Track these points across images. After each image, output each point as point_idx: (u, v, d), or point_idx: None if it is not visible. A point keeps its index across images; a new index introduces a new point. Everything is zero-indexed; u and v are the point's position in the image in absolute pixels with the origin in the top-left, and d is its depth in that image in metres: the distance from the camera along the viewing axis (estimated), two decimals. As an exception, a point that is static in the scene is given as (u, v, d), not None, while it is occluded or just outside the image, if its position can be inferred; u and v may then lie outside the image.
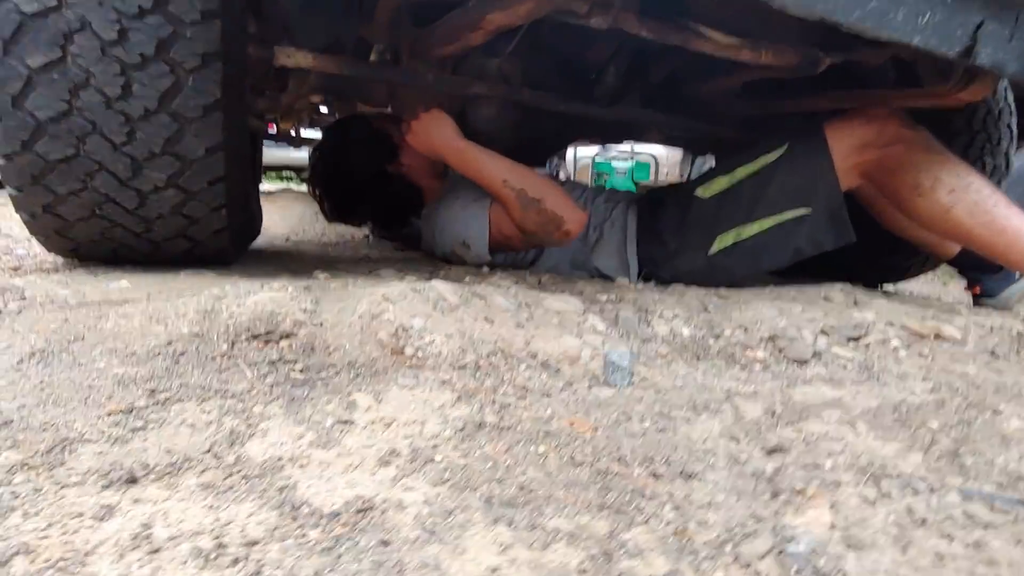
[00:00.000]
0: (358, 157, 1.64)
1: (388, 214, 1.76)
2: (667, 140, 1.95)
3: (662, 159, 5.50)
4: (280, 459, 0.52)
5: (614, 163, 5.64)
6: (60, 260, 1.29)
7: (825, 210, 1.46)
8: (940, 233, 1.52)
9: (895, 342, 1.06)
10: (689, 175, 5.90)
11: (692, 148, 2.09)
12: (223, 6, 1.00)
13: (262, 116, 2.07)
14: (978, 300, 1.70)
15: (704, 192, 1.55)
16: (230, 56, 1.05)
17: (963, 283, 1.90)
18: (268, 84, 1.42)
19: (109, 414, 0.57)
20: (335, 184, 1.68)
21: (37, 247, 1.31)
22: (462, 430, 0.60)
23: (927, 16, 0.97)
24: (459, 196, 1.56)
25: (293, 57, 1.27)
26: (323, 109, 2.45)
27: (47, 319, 0.83)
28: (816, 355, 0.97)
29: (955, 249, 1.70)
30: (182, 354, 0.72)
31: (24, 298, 0.95)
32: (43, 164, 1.00)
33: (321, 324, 0.85)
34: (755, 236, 1.49)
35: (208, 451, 0.52)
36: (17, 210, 1.09)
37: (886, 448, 0.64)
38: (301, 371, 0.72)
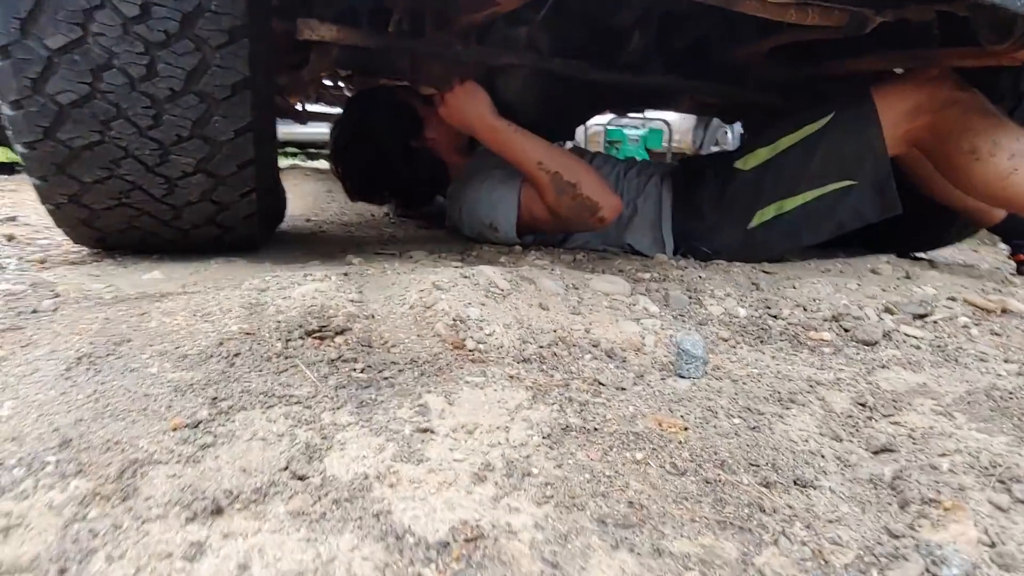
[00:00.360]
0: (382, 132, 1.58)
1: (413, 191, 1.70)
2: (700, 108, 1.88)
3: (675, 125, 5.37)
4: (367, 477, 0.48)
5: (626, 131, 5.51)
6: (86, 250, 1.25)
7: (872, 182, 1.39)
8: (994, 200, 1.45)
9: (963, 319, 1.01)
10: (703, 141, 5.78)
11: (725, 116, 2.01)
12: (248, -24, 0.93)
13: (283, 93, 2.00)
14: (1022, 268, 1.64)
15: (744, 164, 1.48)
16: (256, 31, 0.98)
17: (998, 249, 1.84)
18: (290, 59, 1.36)
19: (174, 429, 0.53)
20: (359, 160, 1.62)
21: (60, 235, 1.26)
22: (549, 436, 0.56)
23: (1011, -30, 0.91)
24: (487, 176, 1.50)
25: (317, 30, 1.20)
26: (328, 83, 2.37)
27: (87, 318, 0.79)
28: (886, 336, 0.92)
29: (999, 215, 1.64)
30: (236, 355, 0.68)
31: (57, 294, 0.91)
32: (67, 152, 0.95)
33: (373, 316, 0.81)
34: (796, 209, 1.42)
35: (286, 468, 0.49)
36: (42, 201, 1.04)
37: (995, 443, 0.59)
38: (363, 371, 0.68)
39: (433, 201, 1.83)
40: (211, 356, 0.68)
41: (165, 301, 0.85)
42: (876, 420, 0.65)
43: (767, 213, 1.44)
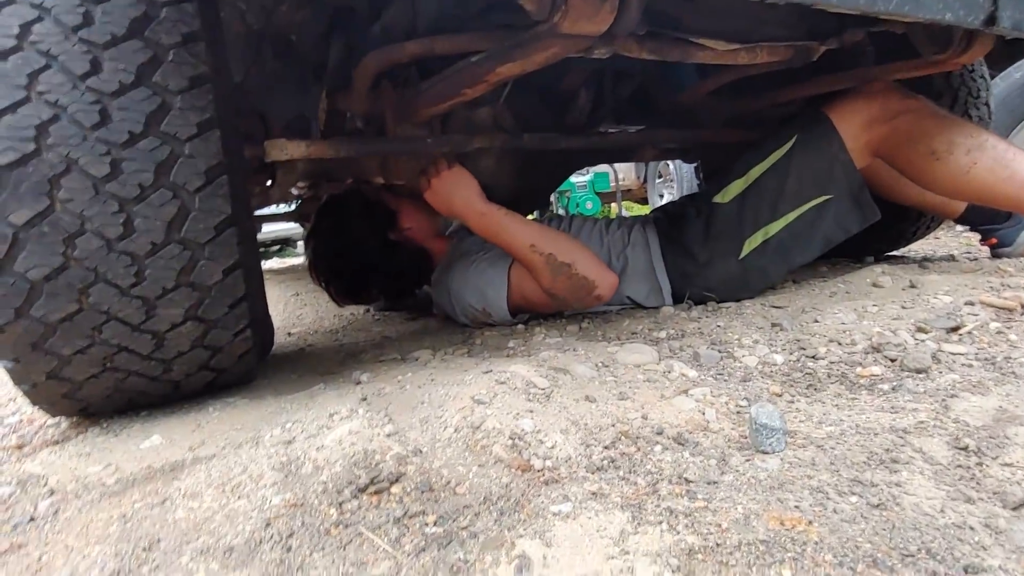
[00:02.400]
0: (359, 231, 1.54)
1: (401, 284, 1.65)
2: (662, 154, 1.91)
3: (619, 166, 5.51)
4: None
5: (572, 178, 5.62)
6: (65, 421, 1.13)
7: (847, 192, 1.43)
8: (959, 195, 1.50)
9: (993, 324, 1.01)
10: (646, 175, 5.95)
11: (686, 157, 2.06)
12: (219, 113, 0.89)
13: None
14: (995, 251, 1.69)
15: (723, 198, 1.50)
16: (233, 165, 0.94)
17: (955, 233, 1.89)
18: (258, 180, 1.31)
19: (256, 660, 0.45)
20: (341, 266, 1.57)
21: (29, 404, 1.14)
22: (679, 569, 0.50)
23: (959, -8, 0.95)
24: (472, 261, 1.47)
25: (286, 149, 1.16)
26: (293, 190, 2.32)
27: (99, 520, 0.69)
28: (934, 359, 0.90)
29: (961, 207, 1.70)
30: (290, 536, 0.60)
31: (52, 491, 0.81)
32: (42, 328, 0.87)
33: (420, 451, 0.74)
34: (782, 231, 1.44)
35: None
36: (15, 383, 0.94)
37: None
38: (436, 523, 0.60)
39: (420, 290, 1.78)
40: (261, 543, 0.60)
41: (182, 478, 0.76)
42: (988, 465, 0.61)
43: (755, 240, 1.45)
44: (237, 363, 1.09)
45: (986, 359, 0.89)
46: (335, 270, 1.58)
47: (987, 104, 1.89)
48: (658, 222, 1.58)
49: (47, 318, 0.86)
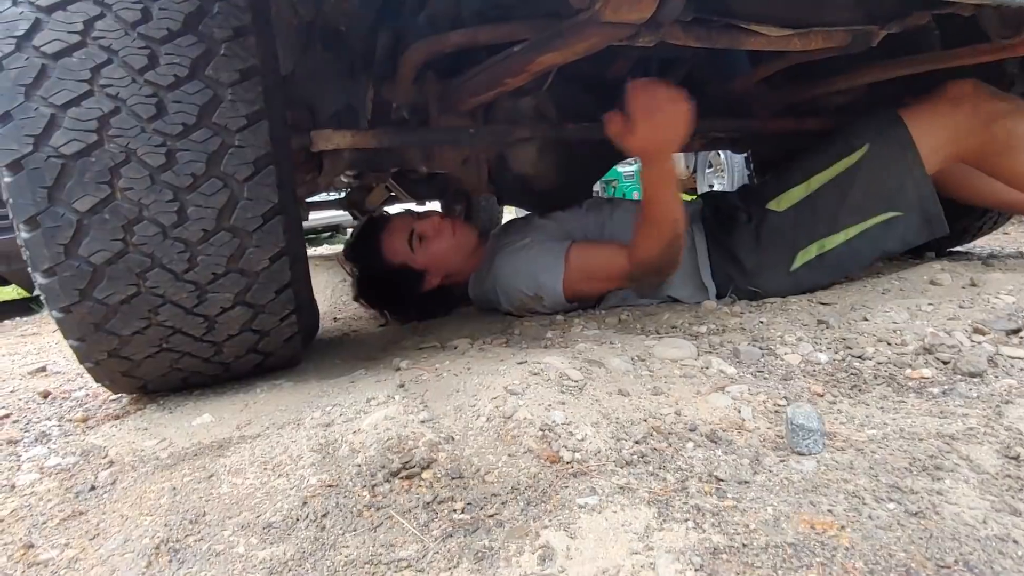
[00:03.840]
0: (396, 285, 1.58)
1: (446, 307, 1.68)
2: (711, 144, 1.86)
3: (668, 155, 5.40)
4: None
5: (619, 168, 5.54)
6: (126, 397, 1.20)
7: (918, 211, 1.34)
8: None
9: (1059, 327, 0.95)
10: (695, 165, 5.81)
11: (735, 147, 2.00)
12: (267, 105, 0.92)
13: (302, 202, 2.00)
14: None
15: (777, 205, 1.43)
16: (280, 155, 0.97)
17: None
18: (304, 168, 1.35)
19: (288, 632, 0.47)
20: (386, 302, 1.64)
21: (94, 382, 1.22)
22: (702, 568, 0.50)
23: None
24: (519, 247, 1.46)
25: (331, 139, 1.19)
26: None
27: (152, 491, 0.73)
28: (991, 362, 0.86)
29: None
30: (324, 515, 0.62)
31: (111, 462, 0.86)
32: (104, 310, 0.92)
33: (452, 439, 0.75)
34: (840, 247, 1.37)
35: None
36: (80, 360, 1.00)
37: None
38: (463, 510, 0.62)
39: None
40: (297, 520, 0.62)
41: (228, 455, 0.80)
42: (1040, 477, 0.58)
43: (809, 252, 1.39)
44: (283, 347, 1.13)
45: (1049, 364, 0.84)
46: (380, 304, 1.64)
47: (1065, 92, 1.77)
48: (705, 222, 1.53)
49: (108, 300, 0.91)
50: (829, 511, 0.56)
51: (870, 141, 1.35)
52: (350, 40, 1.45)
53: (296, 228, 1.09)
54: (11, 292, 4.63)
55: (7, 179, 0.83)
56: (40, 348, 2.09)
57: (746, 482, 0.63)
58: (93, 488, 0.78)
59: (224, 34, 0.89)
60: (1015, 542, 0.49)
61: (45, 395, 1.34)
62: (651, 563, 0.50)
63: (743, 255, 1.42)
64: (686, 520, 0.56)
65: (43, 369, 1.66)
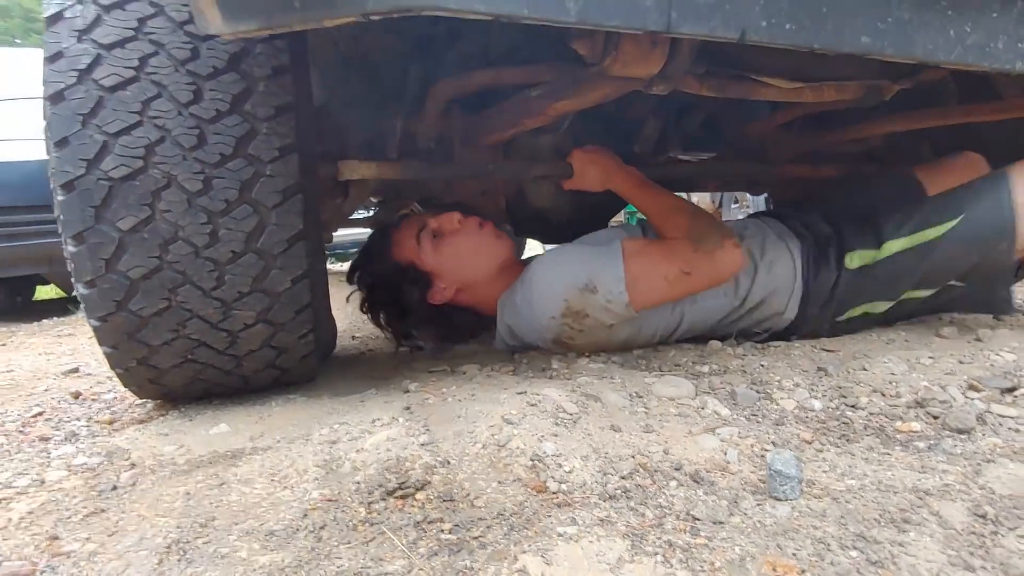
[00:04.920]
0: (401, 299, 1.42)
1: (460, 332, 1.54)
2: (726, 185, 1.90)
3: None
4: None
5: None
6: (151, 403, 1.27)
7: (984, 291, 1.30)
8: None
9: (1055, 389, 0.96)
10: (721, 200, 5.82)
11: (752, 188, 2.04)
12: (299, 138, 0.99)
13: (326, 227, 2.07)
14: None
15: (850, 262, 1.34)
16: (307, 185, 1.04)
17: None
18: (331, 195, 1.42)
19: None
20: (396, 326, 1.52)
21: (122, 386, 1.29)
22: (663, 600, 0.53)
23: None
24: (564, 248, 1.39)
25: (357, 170, 1.27)
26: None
27: (168, 495, 0.79)
28: (979, 419, 0.88)
29: None
30: (322, 528, 0.67)
31: (133, 464, 0.92)
32: (137, 321, 0.99)
33: (448, 463, 0.80)
34: (891, 308, 1.34)
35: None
36: (111, 366, 1.07)
37: None
38: (451, 531, 0.66)
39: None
40: (298, 530, 0.67)
41: (240, 464, 0.85)
42: (1003, 535, 0.61)
43: (856, 311, 1.37)
44: (300, 363, 1.19)
45: (1038, 425, 0.86)
46: (371, 314, 1.52)
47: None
48: (803, 239, 1.39)
49: (142, 312, 0.98)
50: (794, 555, 0.59)
51: (967, 206, 1.25)
52: (383, 74, 1.54)
53: (318, 252, 1.16)
54: (50, 291, 4.82)
55: (60, 197, 0.91)
56: (74, 349, 2.20)
57: (721, 522, 0.66)
58: (115, 488, 0.84)
59: (263, 72, 0.97)
60: (964, 597, 0.52)
61: (76, 396, 1.42)
62: (617, 593, 0.54)
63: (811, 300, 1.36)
64: (656, 554, 0.60)
65: (76, 370, 1.75)
